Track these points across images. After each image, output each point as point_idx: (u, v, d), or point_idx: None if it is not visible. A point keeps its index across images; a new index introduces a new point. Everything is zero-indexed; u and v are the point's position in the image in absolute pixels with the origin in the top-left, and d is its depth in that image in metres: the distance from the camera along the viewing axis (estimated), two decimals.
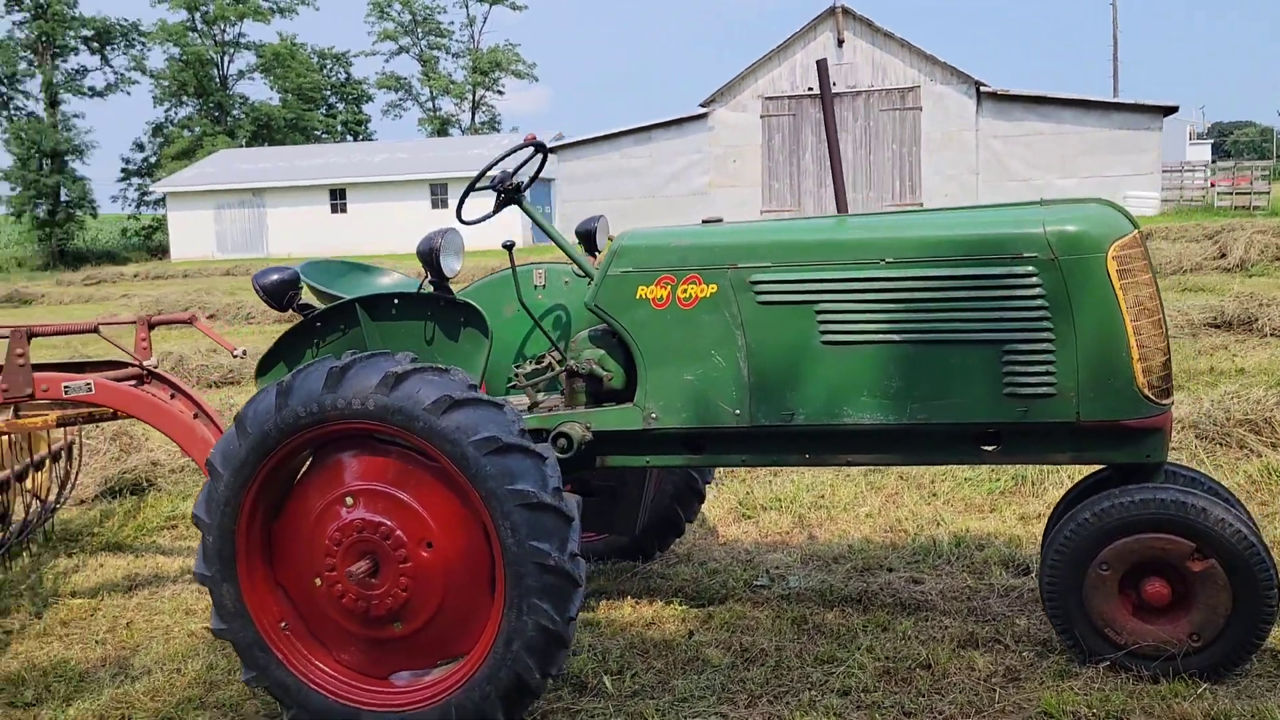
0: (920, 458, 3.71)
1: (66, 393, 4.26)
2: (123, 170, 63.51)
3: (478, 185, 4.06)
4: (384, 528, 3.32)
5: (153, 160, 62.28)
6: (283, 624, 3.50)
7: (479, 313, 3.60)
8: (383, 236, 41.85)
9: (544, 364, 4.11)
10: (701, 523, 5.54)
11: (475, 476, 3.16)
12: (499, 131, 69.92)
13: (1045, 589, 3.56)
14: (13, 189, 53.62)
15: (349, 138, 70.13)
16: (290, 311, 3.85)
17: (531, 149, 4.17)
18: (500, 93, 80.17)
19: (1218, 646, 3.40)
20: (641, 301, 3.69)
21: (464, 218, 4.09)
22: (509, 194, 4.04)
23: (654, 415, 3.71)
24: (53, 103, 57.13)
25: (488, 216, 4.13)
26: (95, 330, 4.61)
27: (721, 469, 5.99)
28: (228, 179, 47.78)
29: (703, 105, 37.80)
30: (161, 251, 49.93)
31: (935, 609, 4.21)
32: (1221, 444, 6.03)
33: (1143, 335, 3.37)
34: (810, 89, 36.56)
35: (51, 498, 5.99)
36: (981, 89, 35.54)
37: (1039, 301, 3.36)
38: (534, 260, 4.42)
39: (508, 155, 4.06)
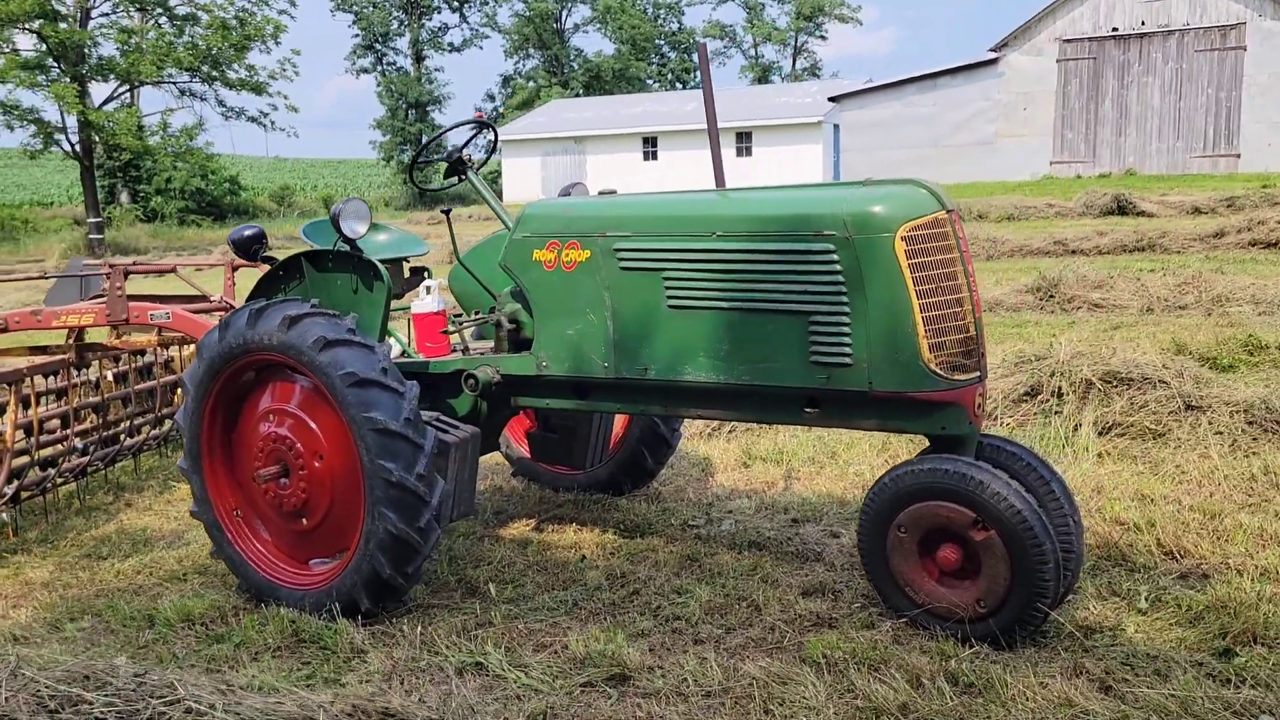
0: (753, 415, 4.03)
1: (151, 319, 5.36)
2: None
3: (420, 159, 4.73)
4: (288, 440, 4.12)
5: (500, 110, 67.58)
6: (236, 511, 4.40)
7: (380, 269, 4.28)
8: (687, 183, 43.22)
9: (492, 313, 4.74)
10: (703, 467, 5.98)
11: (341, 404, 3.88)
12: (818, 78, 69.42)
13: (859, 547, 3.81)
14: (384, 136, 60.37)
15: (677, 85, 72.14)
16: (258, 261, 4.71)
17: (476, 125, 4.77)
18: (823, 38, 78.77)
19: (1001, 615, 3.53)
20: (536, 263, 4.23)
21: (416, 184, 4.78)
22: (453, 165, 4.68)
23: (544, 363, 4.26)
24: (418, 58, 63.60)
25: (445, 187, 4.79)
26: (174, 270, 5.73)
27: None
28: (554, 128, 51.20)
29: (993, 50, 35.99)
30: (501, 195, 54.50)
31: (821, 560, 4.48)
32: (1273, 432, 5.66)
33: (933, 313, 3.52)
34: (1114, 30, 33.88)
35: None
36: None
37: (837, 277, 3.59)
38: None
39: (452, 129, 4.70)
